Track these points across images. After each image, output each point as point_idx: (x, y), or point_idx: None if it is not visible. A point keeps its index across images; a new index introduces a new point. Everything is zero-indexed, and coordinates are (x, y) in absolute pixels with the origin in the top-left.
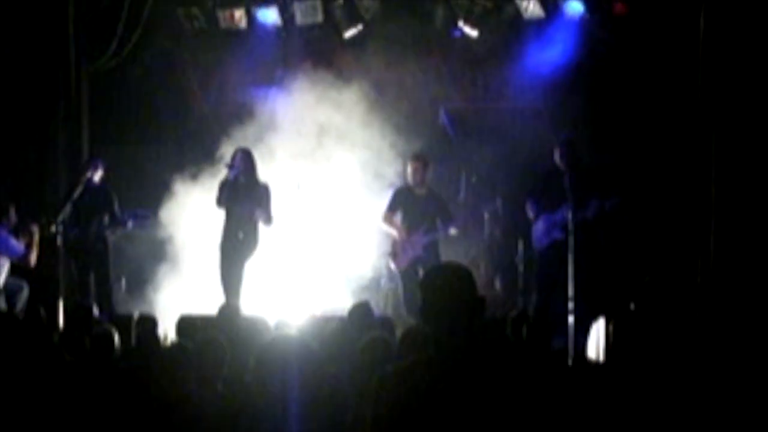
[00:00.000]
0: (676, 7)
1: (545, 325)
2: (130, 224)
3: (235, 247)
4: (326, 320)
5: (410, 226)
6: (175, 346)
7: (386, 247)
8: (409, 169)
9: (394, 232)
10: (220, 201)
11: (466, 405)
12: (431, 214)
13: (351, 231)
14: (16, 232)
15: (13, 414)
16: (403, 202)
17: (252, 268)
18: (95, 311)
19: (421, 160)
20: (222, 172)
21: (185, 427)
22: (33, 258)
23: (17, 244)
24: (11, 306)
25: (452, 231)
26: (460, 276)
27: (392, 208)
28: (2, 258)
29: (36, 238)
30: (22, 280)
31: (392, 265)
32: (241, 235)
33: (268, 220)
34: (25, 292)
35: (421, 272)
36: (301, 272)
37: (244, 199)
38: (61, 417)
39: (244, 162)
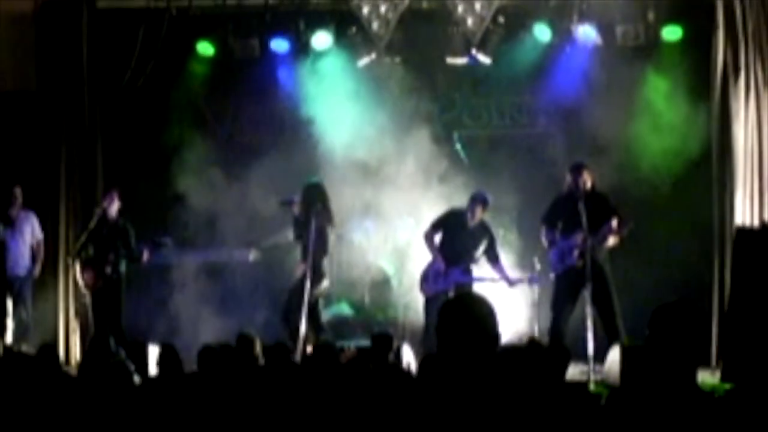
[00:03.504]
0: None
1: (559, 354)
2: (146, 256)
3: (305, 281)
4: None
5: (451, 256)
6: (196, 376)
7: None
8: (470, 208)
9: (432, 256)
10: (295, 236)
11: None
12: (476, 249)
13: (368, 260)
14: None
15: None
16: (450, 226)
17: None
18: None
19: (478, 200)
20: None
21: None
22: None
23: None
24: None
25: (489, 280)
26: (481, 310)
27: (436, 227)
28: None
29: None
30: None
31: (419, 289)
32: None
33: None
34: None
35: None
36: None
37: (308, 233)
38: None
39: (302, 196)
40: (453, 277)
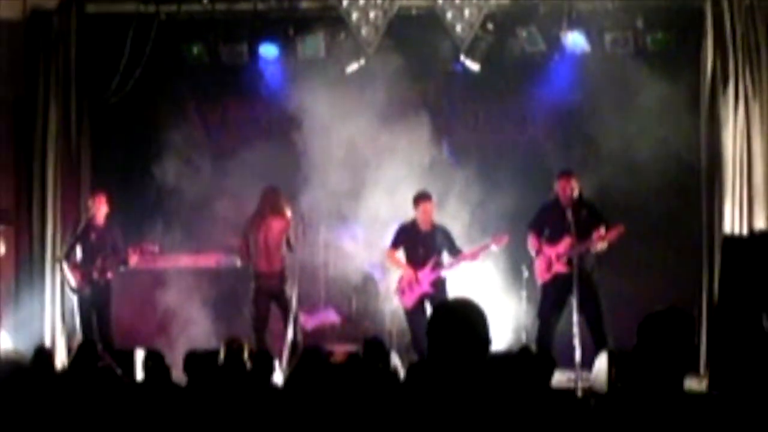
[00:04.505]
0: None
1: (546, 361)
2: (133, 260)
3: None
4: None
5: (415, 263)
6: (182, 383)
7: (391, 284)
8: (418, 209)
9: (400, 269)
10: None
11: None
12: (437, 250)
13: (355, 269)
14: None
15: None
16: (406, 239)
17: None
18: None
19: (429, 198)
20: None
21: None
22: None
23: None
24: None
25: (460, 263)
26: (471, 313)
27: (395, 245)
28: None
29: None
30: None
31: (399, 303)
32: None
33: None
34: None
35: (429, 309)
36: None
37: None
38: None
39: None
40: (426, 277)
